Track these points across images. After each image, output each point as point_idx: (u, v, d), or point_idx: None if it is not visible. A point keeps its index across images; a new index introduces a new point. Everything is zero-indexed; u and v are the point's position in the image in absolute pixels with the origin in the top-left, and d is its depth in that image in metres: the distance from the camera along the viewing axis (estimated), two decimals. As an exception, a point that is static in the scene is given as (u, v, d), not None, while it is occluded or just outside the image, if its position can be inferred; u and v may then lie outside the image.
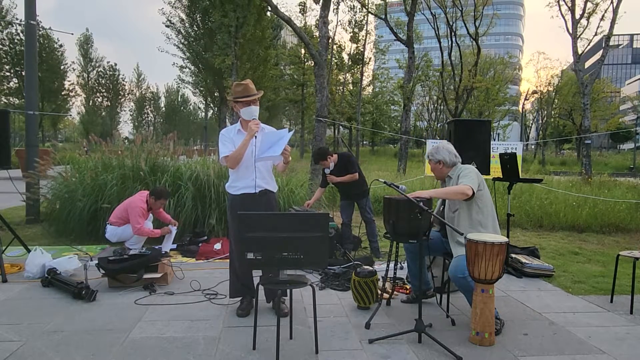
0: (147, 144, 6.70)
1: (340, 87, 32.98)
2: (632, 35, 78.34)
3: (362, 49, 30.45)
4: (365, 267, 3.70)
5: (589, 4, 15.84)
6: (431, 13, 22.26)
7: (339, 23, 35.29)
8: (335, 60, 30.12)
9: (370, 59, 34.19)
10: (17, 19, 28.38)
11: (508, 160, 4.84)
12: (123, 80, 48.25)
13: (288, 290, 3.11)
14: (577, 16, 15.87)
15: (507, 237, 4.49)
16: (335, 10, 27.10)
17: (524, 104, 40.24)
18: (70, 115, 49.16)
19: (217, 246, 5.31)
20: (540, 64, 49.37)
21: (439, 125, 41.11)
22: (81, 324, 3.19)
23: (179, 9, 23.73)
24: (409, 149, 22.88)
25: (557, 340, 3.03)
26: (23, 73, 17.09)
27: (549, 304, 3.76)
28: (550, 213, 7.73)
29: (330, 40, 23.42)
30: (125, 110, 51.96)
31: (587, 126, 15.17)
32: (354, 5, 27.31)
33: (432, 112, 43.20)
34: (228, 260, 3.61)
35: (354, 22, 29.30)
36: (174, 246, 5.34)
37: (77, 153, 7.09)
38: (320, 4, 10.05)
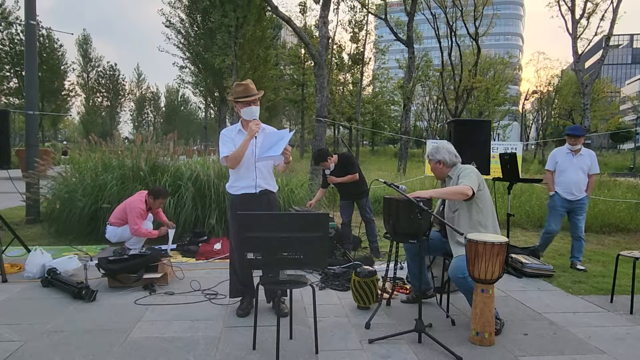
0: (147, 144, 6.70)
1: (340, 87, 32.99)
2: (632, 35, 78.30)
3: (362, 49, 30.47)
4: (365, 267, 3.70)
5: (589, 4, 15.89)
6: (431, 13, 22.28)
7: (339, 23, 35.33)
8: (335, 60, 30.12)
9: (370, 59, 34.22)
10: (17, 19, 28.41)
11: (508, 160, 4.85)
12: (123, 80, 48.33)
13: (288, 290, 3.11)
14: (577, 16, 15.91)
15: (507, 237, 4.49)
16: (335, 10, 27.14)
17: (524, 104, 40.29)
18: (70, 115, 49.21)
19: (217, 246, 5.31)
20: (540, 64, 49.53)
21: (439, 125, 41.12)
22: (81, 324, 3.19)
23: (179, 9, 23.77)
24: (409, 149, 22.89)
25: (557, 340, 3.03)
26: (23, 73, 17.08)
27: (549, 304, 3.76)
28: (550, 213, 7.73)
29: (330, 40, 23.43)
30: (125, 110, 52.07)
31: (587, 126, 15.19)
32: (354, 5, 27.34)
33: (432, 112, 43.23)
34: (228, 260, 3.62)
35: (354, 22, 29.31)
36: (174, 246, 5.34)
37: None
38: (320, 4, 10.05)
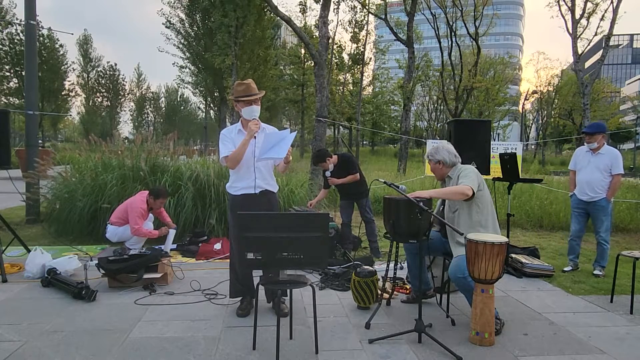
0: (147, 144, 6.69)
1: (340, 87, 32.99)
2: (632, 35, 78.32)
3: (362, 49, 30.45)
4: (365, 267, 3.70)
5: (589, 4, 15.91)
6: (431, 13, 22.30)
7: (339, 23, 35.30)
8: (336, 60, 30.10)
9: (370, 59, 34.20)
10: (17, 19, 28.41)
11: (508, 160, 4.84)
12: (123, 80, 48.31)
13: (288, 290, 3.11)
14: (577, 16, 15.92)
15: (507, 237, 4.49)
16: (335, 10, 27.11)
17: (524, 104, 40.27)
18: (70, 115, 49.21)
19: (217, 246, 5.31)
20: (540, 64, 49.58)
21: (439, 125, 41.14)
22: (81, 324, 3.19)
23: (178, 9, 23.74)
24: (409, 149, 22.88)
25: (557, 340, 3.03)
26: (23, 73, 17.08)
27: (549, 304, 3.76)
28: (550, 213, 7.73)
29: (330, 40, 23.41)
30: (125, 110, 52.02)
31: (587, 126, 15.16)
32: (354, 6, 27.33)
33: (432, 112, 43.24)
34: (228, 260, 3.62)
35: (354, 22, 29.30)
36: (174, 246, 5.34)
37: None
38: (321, 3, 10.04)
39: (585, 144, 4.80)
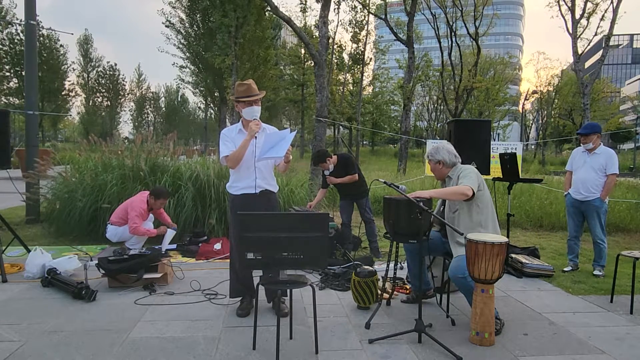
0: (147, 144, 6.70)
1: (340, 87, 32.97)
2: (632, 35, 78.29)
3: (362, 49, 30.44)
4: (365, 267, 3.70)
5: (589, 4, 15.90)
6: (431, 13, 22.31)
7: (339, 23, 35.30)
8: (336, 60, 30.09)
9: (370, 59, 34.18)
10: (17, 19, 28.43)
11: (508, 160, 4.84)
12: (123, 80, 48.32)
13: (288, 290, 3.11)
14: (577, 16, 15.92)
15: (507, 237, 4.49)
16: (335, 10, 27.10)
17: (524, 104, 40.27)
18: (70, 115, 49.22)
19: (217, 246, 5.31)
20: (540, 64, 49.60)
21: (439, 125, 41.16)
22: (81, 324, 3.19)
23: (179, 9, 23.76)
24: (409, 149, 22.89)
25: (557, 340, 3.03)
26: (23, 73, 17.08)
27: (549, 304, 3.76)
28: (550, 213, 7.73)
29: (330, 40, 23.42)
30: (125, 110, 52.05)
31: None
32: (354, 5, 27.32)
33: (432, 112, 43.27)
34: (228, 260, 3.62)
35: (354, 22, 29.28)
36: (174, 246, 5.34)
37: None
38: (321, 3, 10.04)
39: (581, 144, 4.84)
